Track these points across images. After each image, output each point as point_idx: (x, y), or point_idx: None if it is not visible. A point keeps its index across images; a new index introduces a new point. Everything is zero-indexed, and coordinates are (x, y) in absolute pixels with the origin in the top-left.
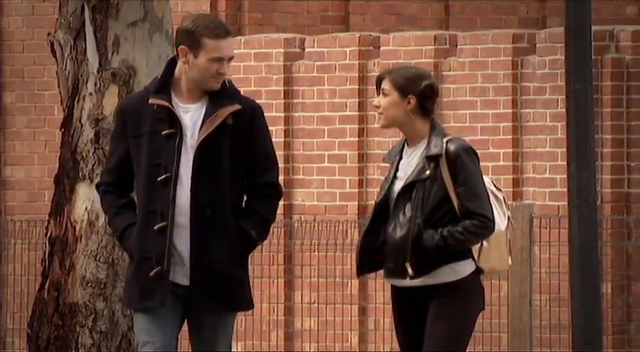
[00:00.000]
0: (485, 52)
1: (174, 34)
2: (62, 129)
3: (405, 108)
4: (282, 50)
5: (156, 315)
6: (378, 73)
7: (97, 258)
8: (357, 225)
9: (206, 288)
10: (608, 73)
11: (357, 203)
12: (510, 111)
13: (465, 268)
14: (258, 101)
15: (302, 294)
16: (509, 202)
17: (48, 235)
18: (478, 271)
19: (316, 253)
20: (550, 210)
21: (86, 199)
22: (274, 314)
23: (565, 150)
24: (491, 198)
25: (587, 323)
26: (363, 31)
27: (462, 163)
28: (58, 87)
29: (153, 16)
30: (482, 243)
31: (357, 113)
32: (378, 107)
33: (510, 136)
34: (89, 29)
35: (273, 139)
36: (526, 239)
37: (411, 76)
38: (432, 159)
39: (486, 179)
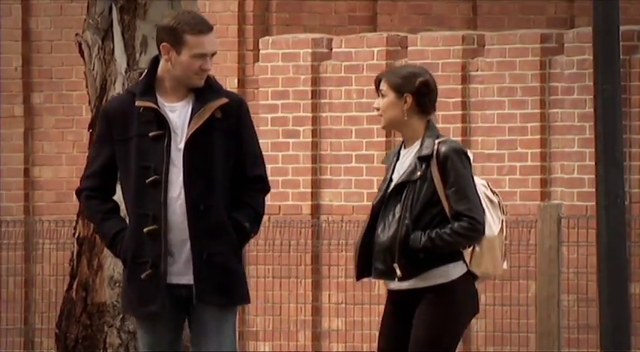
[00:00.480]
0: (513, 52)
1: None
2: (90, 130)
3: (402, 107)
4: (309, 50)
5: (157, 324)
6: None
7: None
8: None
9: (208, 282)
10: (636, 73)
11: None
12: (538, 111)
13: (456, 270)
14: (285, 101)
15: (329, 294)
16: (538, 202)
17: (76, 235)
18: (471, 275)
19: (344, 253)
20: (578, 210)
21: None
22: (302, 314)
23: (593, 150)
24: (486, 201)
25: (615, 324)
26: (390, 31)
27: (452, 165)
28: (86, 87)
29: None
30: (474, 248)
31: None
32: (377, 109)
33: (538, 136)
34: (117, 29)
35: (300, 140)
36: (554, 239)
37: (405, 75)
38: (423, 160)
39: (482, 182)
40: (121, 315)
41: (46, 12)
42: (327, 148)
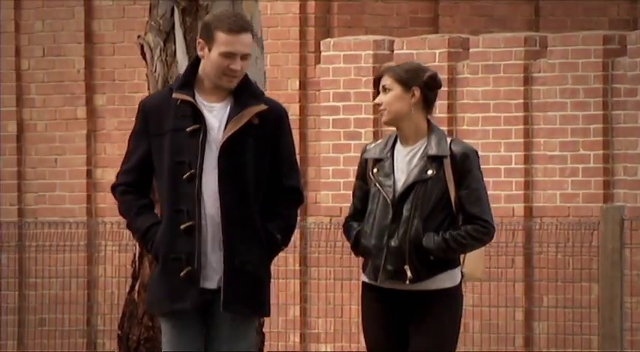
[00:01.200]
0: (575, 53)
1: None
2: None
3: (409, 101)
4: (371, 52)
5: (184, 325)
6: (377, 73)
7: None
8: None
9: (236, 290)
10: None
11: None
12: (601, 112)
13: (458, 275)
14: (347, 103)
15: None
16: (600, 204)
17: None
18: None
19: None
20: None
21: None
22: None
23: None
24: None
25: None
26: (452, 32)
27: (469, 166)
28: (148, 89)
29: None
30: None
31: (445, 115)
32: (379, 105)
33: (601, 138)
34: (179, 31)
35: (362, 141)
36: (617, 241)
37: (412, 69)
38: (434, 159)
39: None
40: None
41: (108, 14)
42: None
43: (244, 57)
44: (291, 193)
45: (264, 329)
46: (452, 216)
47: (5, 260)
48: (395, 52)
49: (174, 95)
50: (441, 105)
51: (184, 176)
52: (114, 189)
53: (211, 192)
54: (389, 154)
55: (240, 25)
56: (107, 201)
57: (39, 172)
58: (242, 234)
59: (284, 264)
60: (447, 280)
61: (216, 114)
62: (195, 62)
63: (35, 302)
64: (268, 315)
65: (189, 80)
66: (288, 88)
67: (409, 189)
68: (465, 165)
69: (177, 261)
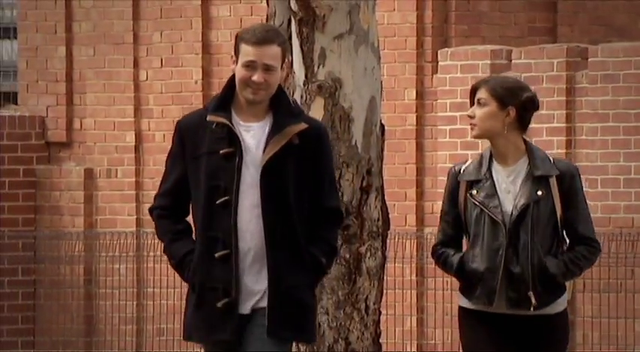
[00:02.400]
0: None
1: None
2: None
3: (504, 120)
4: (488, 62)
5: None
6: (474, 83)
7: None
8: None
9: (281, 315)
10: None
11: None
12: None
13: (566, 297)
14: (464, 113)
15: None
16: None
17: None
18: None
19: None
20: None
21: None
22: None
23: None
24: None
25: None
26: (570, 42)
27: (576, 185)
28: None
29: (359, 29)
30: None
31: (564, 125)
32: (472, 117)
33: None
34: (295, 42)
35: (479, 151)
36: None
37: (511, 87)
38: (541, 180)
39: None
40: None
41: (225, 25)
42: None
43: (268, 69)
44: (332, 214)
45: (380, 340)
46: (558, 238)
47: (124, 270)
48: (512, 61)
49: (208, 117)
50: (559, 114)
51: (218, 201)
52: (151, 211)
53: (248, 217)
54: (487, 175)
55: (263, 37)
56: None
57: (157, 183)
58: (287, 257)
59: (400, 275)
60: (561, 303)
61: (254, 135)
62: (232, 80)
63: (153, 312)
64: (313, 341)
65: (226, 100)
66: (405, 98)
67: (524, 210)
68: (572, 184)
69: (214, 290)
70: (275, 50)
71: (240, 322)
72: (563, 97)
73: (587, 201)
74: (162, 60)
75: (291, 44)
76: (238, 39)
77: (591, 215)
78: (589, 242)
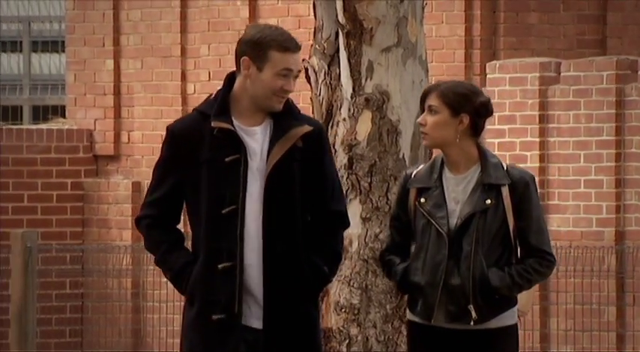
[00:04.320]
0: None
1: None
2: None
3: (456, 127)
4: (537, 74)
5: None
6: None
7: (351, 284)
8: (614, 251)
9: (281, 331)
10: None
11: (614, 229)
12: None
13: (516, 312)
14: (512, 126)
15: (558, 321)
16: None
17: None
18: None
19: (572, 279)
20: None
21: None
22: (529, 340)
23: None
24: None
25: None
26: (620, 54)
27: (529, 194)
28: (312, 113)
29: (406, 41)
30: None
31: (614, 138)
32: (423, 125)
33: None
34: (343, 55)
35: (528, 165)
36: None
37: (463, 92)
38: (491, 188)
39: None
40: (347, 341)
41: None
42: (555, 173)
43: (297, 76)
44: (337, 218)
45: None
46: (509, 249)
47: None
48: (562, 74)
49: (213, 124)
50: (608, 127)
51: (224, 211)
52: (138, 221)
53: (255, 227)
54: (437, 183)
55: (295, 44)
56: None
57: None
58: (286, 269)
59: None
60: (508, 318)
61: (257, 139)
62: (229, 82)
63: None
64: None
65: (225, 103)
66: None
67: (468, 220)
68: (526, 193)
69: (216, 304)
70: (300, 56)
71: (255, 336)
72: (613, 110)
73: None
74: (209, 73)
75: (338, 57)
76: (261, 45)
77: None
78: (542, 254)
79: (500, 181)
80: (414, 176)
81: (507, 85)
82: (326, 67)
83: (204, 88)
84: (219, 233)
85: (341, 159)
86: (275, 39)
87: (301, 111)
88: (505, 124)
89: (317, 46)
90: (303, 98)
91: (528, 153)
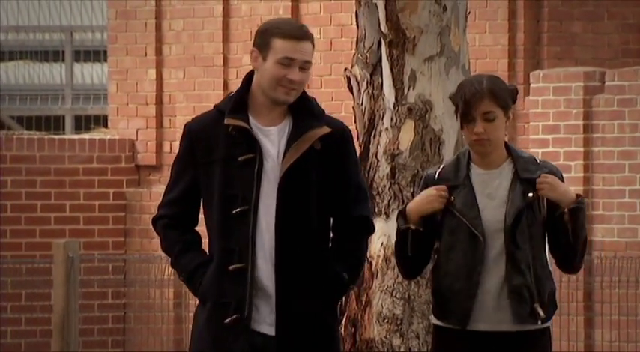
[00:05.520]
0: None
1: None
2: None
3: (506, 124)
4: (581, 84)
5: None
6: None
7: (394, 294)
8: None
9: (295, 338)
10: None
11: None
12: None
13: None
14: (556, 136)
15: (602, 332)
16: None
17: None
18: None
19: (616, 290)
20: None
21: (382, 235)
22: (574, 351)
23: None
24: None
25: None
26: None
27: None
28: (355, 122)
29: (449, 51)
30: None
31: None
32: (479, 134)
33: None
34: (385, 64)
35: (572, 175)
36: None
37: (505, 87)
38: (529, 182)
39: None
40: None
41: (316, 48)
42: (599, 183)
43: (303, 67)
44: (361, 224)
45: None
46: (545, 240)
47: None
48: (606, 83)
49: (226, 121)
50: None
51: (235, 211)
52: (155, 222)
53: (268, 229)
54: (466, 180)
55: (300, 32)
56: None
57: None
58: (302, 275)
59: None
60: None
61: (273, 139)
62: (247, 81)
63: None
64: None
65: (242, 101)
66: None
67: (518, 217)
68: None
69: (227, 306)
70: (310, 47)
71: (264, 340)
72: None
73: None
74: None
75: (381, 66)
76: (267, 34)
77: None
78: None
79: (536, 175)
80: (439, 175)
81: (551, 94)
82: (368, 77)
83: None
84: (230, 234)
85: (383, 168)
86: (279, 27)
87: (325, 112)
88: (549, 134)
89: (359, 56)
90: (346, 107)
91: (572, 163)
